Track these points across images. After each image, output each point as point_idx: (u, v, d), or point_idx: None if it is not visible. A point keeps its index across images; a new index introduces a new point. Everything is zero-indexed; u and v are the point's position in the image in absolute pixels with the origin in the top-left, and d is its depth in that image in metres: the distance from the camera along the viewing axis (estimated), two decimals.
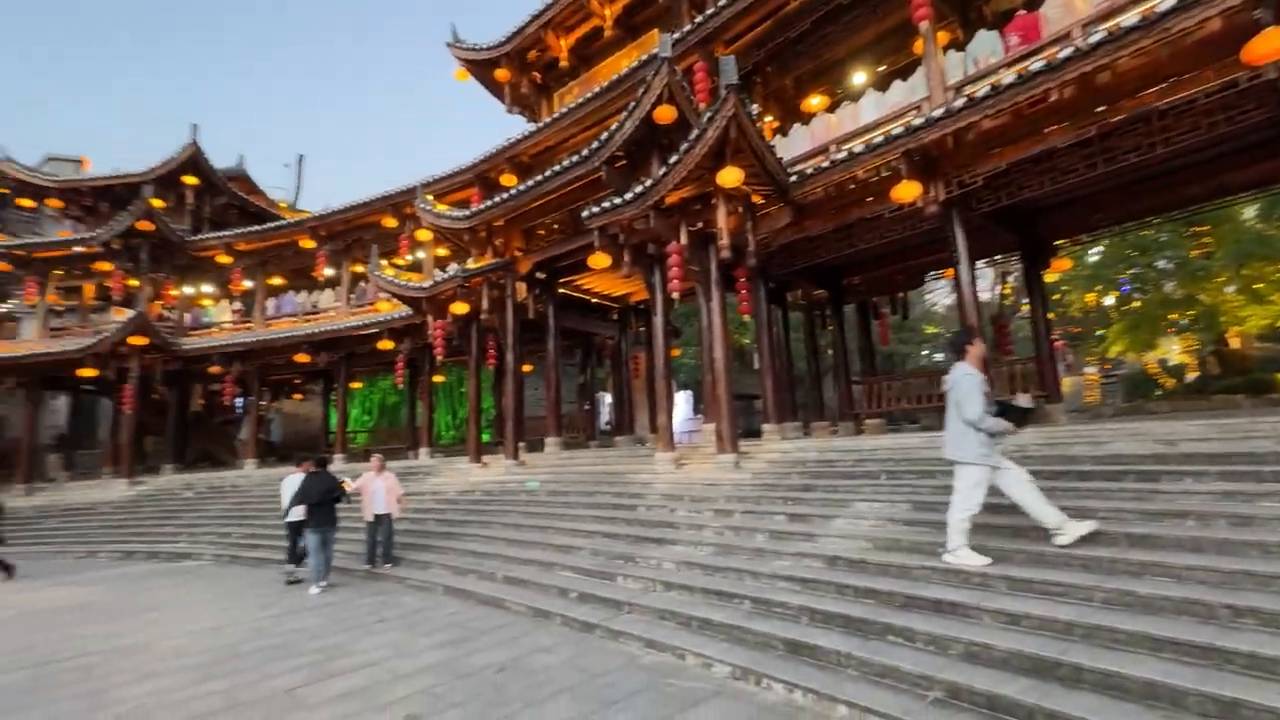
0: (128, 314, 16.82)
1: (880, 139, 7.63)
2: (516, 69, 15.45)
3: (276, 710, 3.95)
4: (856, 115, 9.21)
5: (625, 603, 5.49)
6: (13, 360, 16.47)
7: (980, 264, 10.70)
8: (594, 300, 14.41)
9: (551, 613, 5.69)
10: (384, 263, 14.20)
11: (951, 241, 8.00)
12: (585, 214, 9.00)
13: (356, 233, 17.15)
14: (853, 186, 8.41)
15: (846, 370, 12.48)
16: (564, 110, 12.32)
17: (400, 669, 4.61)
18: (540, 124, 13.10)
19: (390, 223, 16.22)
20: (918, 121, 7.31)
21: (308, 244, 17.49)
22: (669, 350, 10.04)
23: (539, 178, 10.37)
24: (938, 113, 7.16)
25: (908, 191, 7.52)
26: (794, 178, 8.46)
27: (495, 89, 16.14)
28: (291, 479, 8.65)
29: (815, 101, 11.31)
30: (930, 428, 11.85)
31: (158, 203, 17.30)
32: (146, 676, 4.75)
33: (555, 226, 11.54)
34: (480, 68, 15.66)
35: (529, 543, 7.76)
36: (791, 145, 9.68)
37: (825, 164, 8.23)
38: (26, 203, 20.43)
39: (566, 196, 10.52)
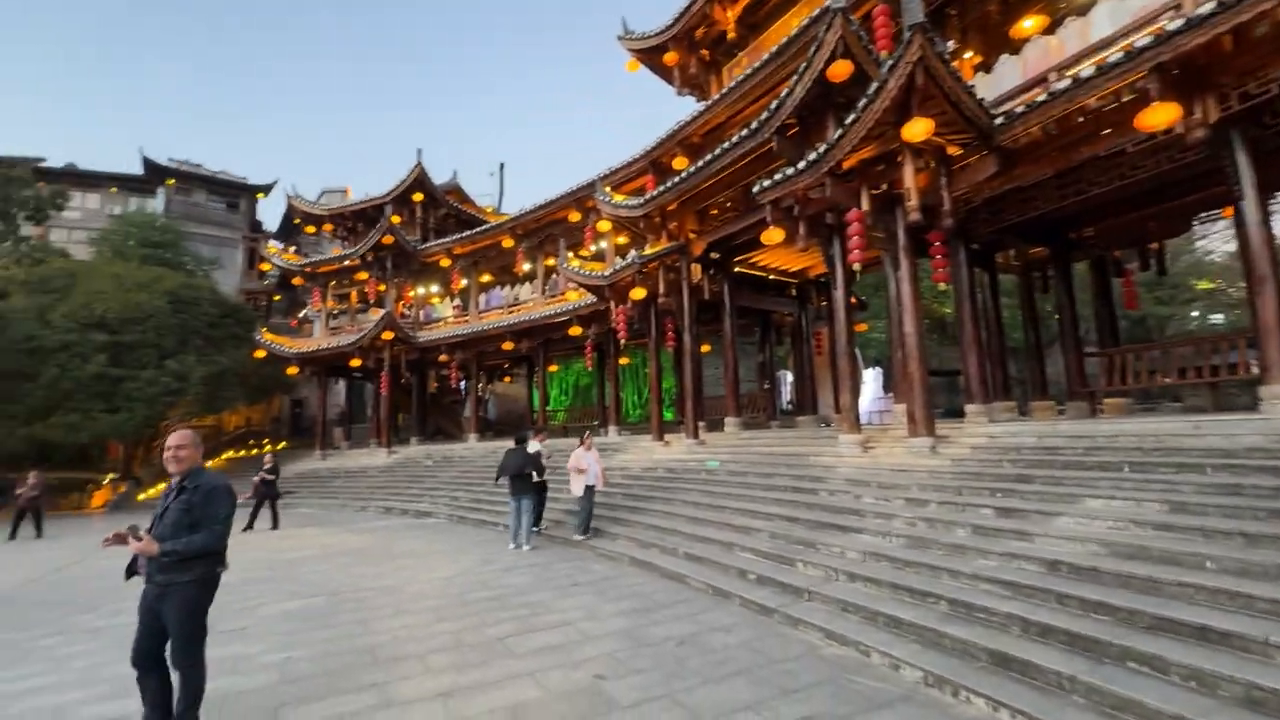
0: (379, 314, 20.45)
1: (1119, 56, 6.20)
2: (684, 49, 15.45)
3: (492, 655, 4.56)
4: (1085, 33, 7.60)
5: (805, 590, 5.32)
6: (309, 354, 21.01)
7: None
8: (770, 277, 14.01)
9: (730, 593, 5.73)
10: (570, 255, 15.32)
11: (1231, 172, 6.27)
12: (756, 189, 8.73)
13: (547, 229, 18.72)
14: (1081, 120, 6.97)
15: (1076, 340, 10.53)
16: (732, 84, 12.02)
17: (590, 631, 5.02)
18: (709, 102, 12.95)
19: (575, 217, 17.41)
20: (1175, 24, 5.79)
21: (508, 243, 19.56)
22: (851, 326, 9.38)
23: (708, 157, 10.29)
24: (1208, 7, 5.59)
25: (1161, 116, 6.01)
26: (1000, 119, 7.27)
27: (665, 73, 16.32)
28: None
29: (1029, 24, 9.56)
30: (1199, 408, 9.53)
31: (396, 219, 20.66)
32: (398, 613, 5.79)
33: (727, 205, 11.39)
34: (649, 55, 15.94)
35: (708, 521, 7.89)
36: (997, 82, 8.33)
37: (1043, 97, 6.92)
38: (310, 229, 25.78)
39: (737, 173, 10.31)
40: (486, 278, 21.78)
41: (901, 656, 4.00)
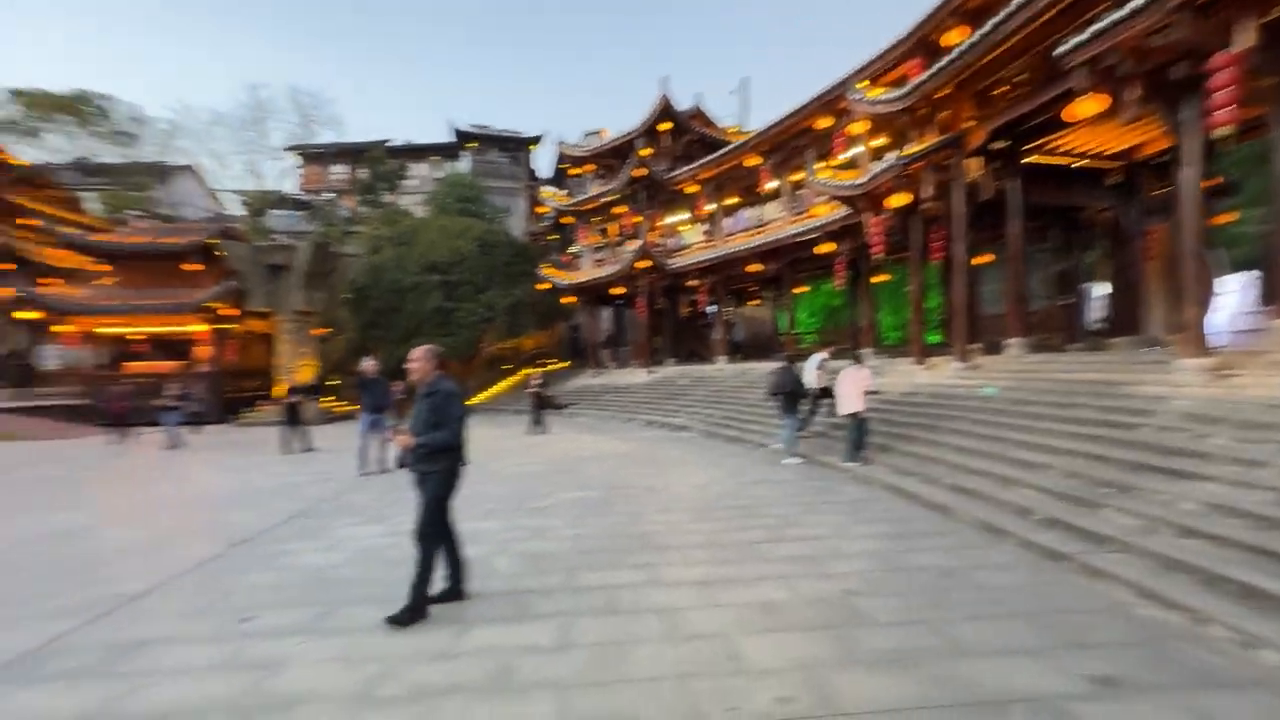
0: (635, 245, 22.02)
1: None
2: None
3: (744, 556, 4.87)
4: None
5: (1113, 539, 4.47)
6: (579, 285, 23.88)
7: None
8: (1075, 165, 11.21)
9: (1006, 530, 5.11)
10: (820, 166, 14.28)
11: None
12: (1062, 49, 6.91)
13: (793, 142, 17.67)
14: None
15: None
16: None
17: (841, 548, 4.99)
18: None
19: (824, 123, 16.06)
20: None
21: (752, 161, 19.03)
22: (1204, 217, 7.07)
23: (995, 19, 8.42)
24: None
25: None
26: None
27: None
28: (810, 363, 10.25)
29: None
30: None
31: (645, 151, 21.63)
32: (662, 510, 6.51)
33: (1017, 80, 9.28)
34: None
35: (981, 453, 7.04)
36: None
37: None
38: (576, 171, 28.54)
39: (1033, 35, 8.27)
40: (732, 200, 21.68)
41: (1259, 634, 3.15)
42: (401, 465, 4.03)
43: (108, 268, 22.57)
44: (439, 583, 3.97)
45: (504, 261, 24.05)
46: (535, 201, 39.22)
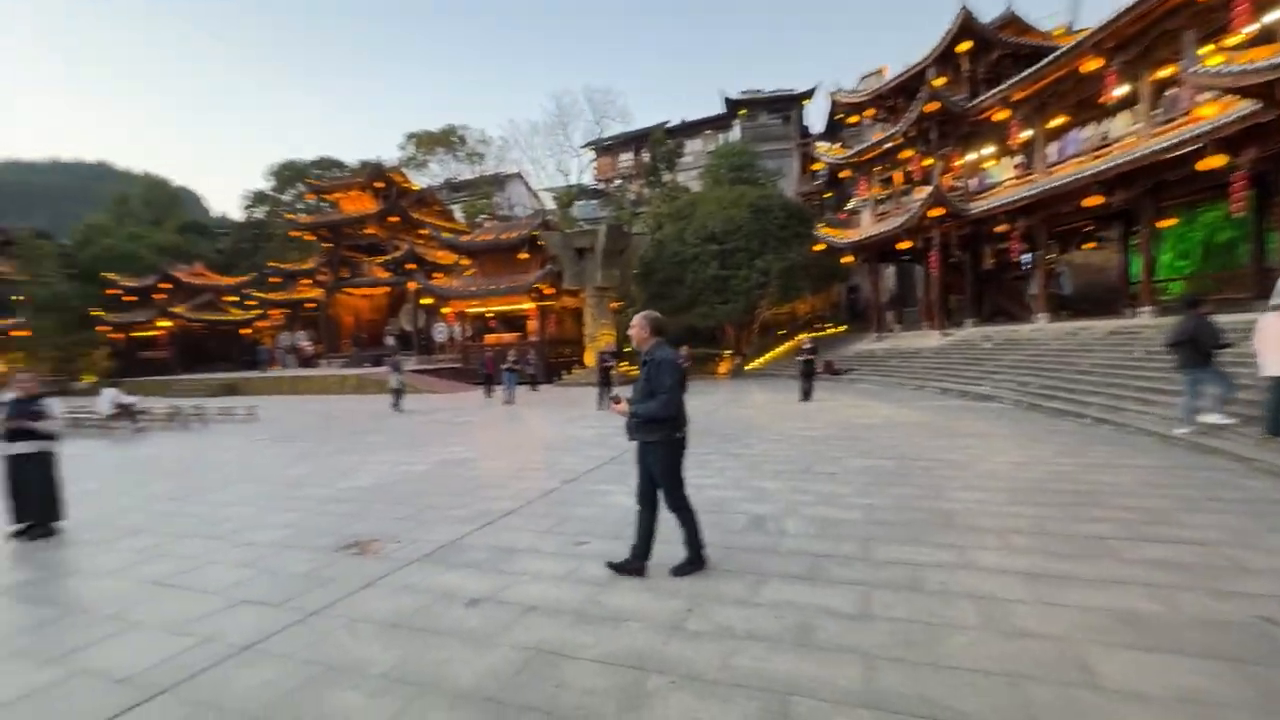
0: (924, 191, 19.49)
1: None
2: None
3: (1086, 551, 4.01)
4: None
5: None
6: (859, 242, 22.24)
7: None
8: None
9: None
10: (1205, 50, 10.56)
11: None
12: None
13: (1157, 26, 13.35)
14: None
15: None
16: None
17: (1244, 561, 3.74)
18: None
19: None
20: None
21: (1090, 65, 14.99)
22: None
23: None
24: None
25: None
26: None
27: None
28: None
29: None
30: None
31: (938, 81, 18.79)
32: (968, 488, 5.76)
33: None
34: None
35: None
36: None
37: None
38: (853, 119, 26.40)
39: None
40: (1057, 121, 17.56)
41: None
42: (631, 436, 3.83)
43: (468, 261, 29.06)
44: (624, 552, 4.03)
45: (777, 225, 23.70)
46: (808, 159, 37.66)
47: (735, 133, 40.18)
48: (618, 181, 44.78)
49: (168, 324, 33.44)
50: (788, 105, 39.20)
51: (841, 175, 26.62)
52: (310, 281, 35.31)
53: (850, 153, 23.63)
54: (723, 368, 25.19)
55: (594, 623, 3.29)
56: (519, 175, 48.39)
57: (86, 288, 34.70)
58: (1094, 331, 13.90)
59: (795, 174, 38.32)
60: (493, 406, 16.46)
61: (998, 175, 19.46)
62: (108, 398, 13.56)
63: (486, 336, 27.36)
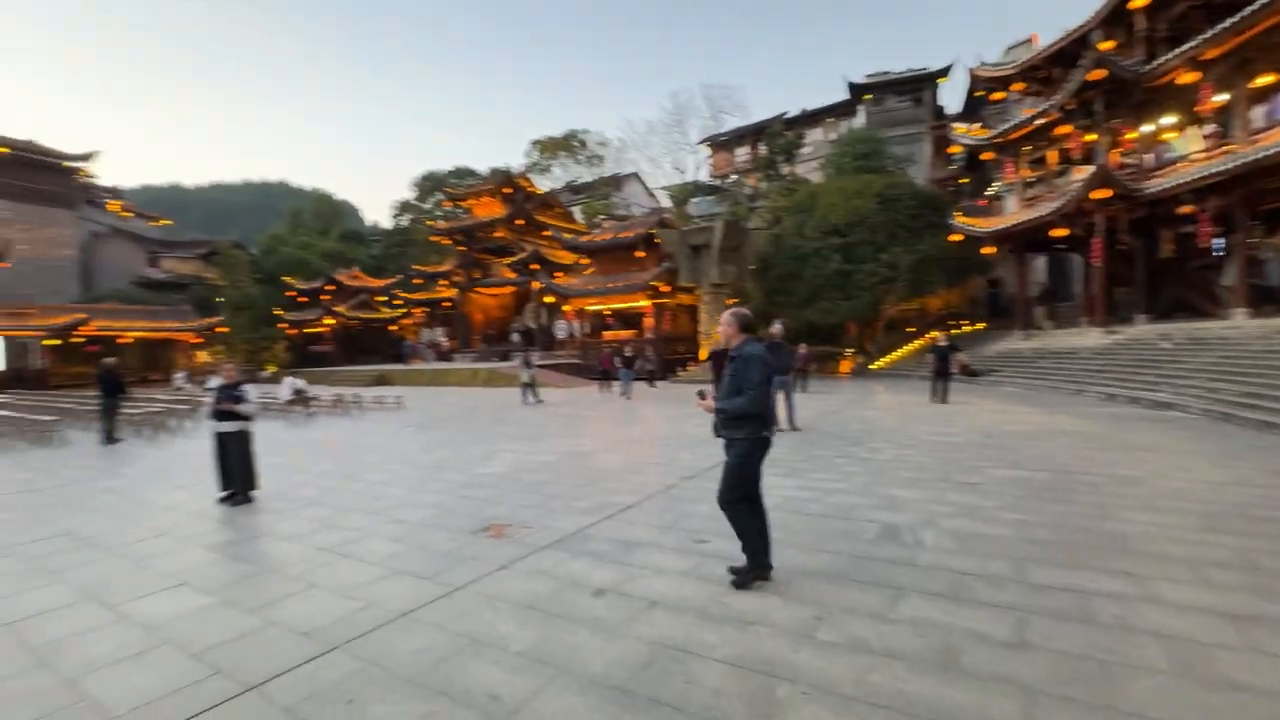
0: (1084, 172, 17.25)
1: None
2: None
3: None
4: None
5: None
6: (1003, 231, 20.17)
7: None
8: None
9: None
10: None
11: None
12: None
13: None
14: None
15: None
16: None
17: None
18: None
19: None
20: None
21: None
22: None
23: None
24: None
25: None
26: None
27: None
28: None
29: None
30: None
31: (1106, 45, 16.53)
32: (1146, 509, 5.01)
33: None
34: None
35: None
36: None
37: None
38: (998, 96, 23.98)
39: None
40: (1266, 79, 14.79)
41: None
42: (717, 434, 3.75)
43: (587, 260, 30.07)
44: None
45: (907, 215, 22.12)
46: (942, 143, 34.82)
47: (860, 119, 38.07)
48: (734, 176, 44.18)
49: (331, 321, 37.95)
50: (919, 86, 36.45)
51: (983, 158, 24.31)
52: (447, 282, 38.43)
53: (994, 132, 21.47)
54: (844, 367, 24.02)
55: (719, 623, 3.26)
56: (635, 175, 49.30)
57: (269, 290, 40.31)
58: None
59: (927, 159, 35.57)
60: (610, 401, 16.91)
61: (1181, 148, 16.77)
62: (288, 385, 15.64)
63: (604, 333, 28.18)
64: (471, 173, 52.60)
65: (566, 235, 31.64)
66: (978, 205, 28.87)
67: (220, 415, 6.31)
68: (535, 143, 49.26)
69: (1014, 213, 21.14)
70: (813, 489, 6.02)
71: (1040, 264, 25.42)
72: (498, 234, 35.38)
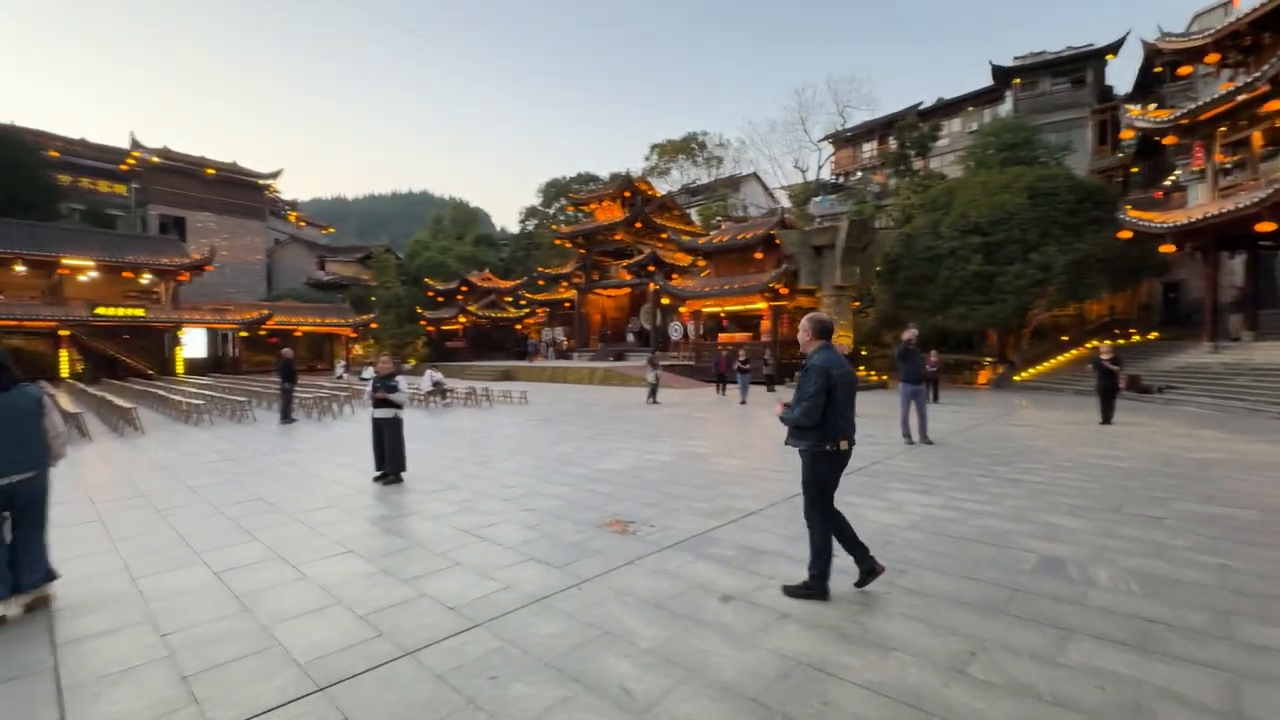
0: None
1: None
2: None
3: None
4: None
5: None
6: (1189, 226, 17.37)
7: None
8: None
9: None
10: None
11: None
12: None
13: None
14: None
15: None
16: None
17: None
18: None
19: None
20: None
21: None
22: None
23: None
24: None
25: None
26: None
27: None
28: None
29: None
30: None
31: None
32: None
33: None
34: None
35: None
36: None
37: None
38: (1185, 70, 20.74)
39: None
40: None
41: None
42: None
43: (703, 262, 29.98)
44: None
45: (1063, 210, 19.77)
46: (1109, 127, 30.84)
47: (1007, 106, 34.64)
48: (859, 174, 42.06)
49: (464, 320, 41.03)
50: (1081, 65, 32.44)
51: (1164, 142, 21.14)
52: (567, 284, 40.14)
53: (1179, 112, 18.55)
54: (982, 377, 21.98)
55: (857, 644, 3.07)
56: (755, 175, 48.47)
57: (413, 290, 44.40)
58: None
59: (1089, 147, 31.61)
60: (726, 405, 16.73)
61: None
62: (429, 377, 17.09)
63: (719, 335, 27.96)
64: (594, 178, 54.51)
65: (684, 237, 31.79)
66: (1153, 197, 25.20)
67: (377, 403, 7.01)
68: (655, 146, 50.07)
69: (1203, 205, 18.15)
70: (955, 509, 5.53)
71: (1237, 264, 21.60)
72: (616, 237, 36.34)
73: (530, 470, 7.61)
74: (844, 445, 3.55)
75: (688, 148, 48.54)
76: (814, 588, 3.65)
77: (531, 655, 3.00)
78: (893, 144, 35.83)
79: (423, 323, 42.72)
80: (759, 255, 26.00)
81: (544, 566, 4.21)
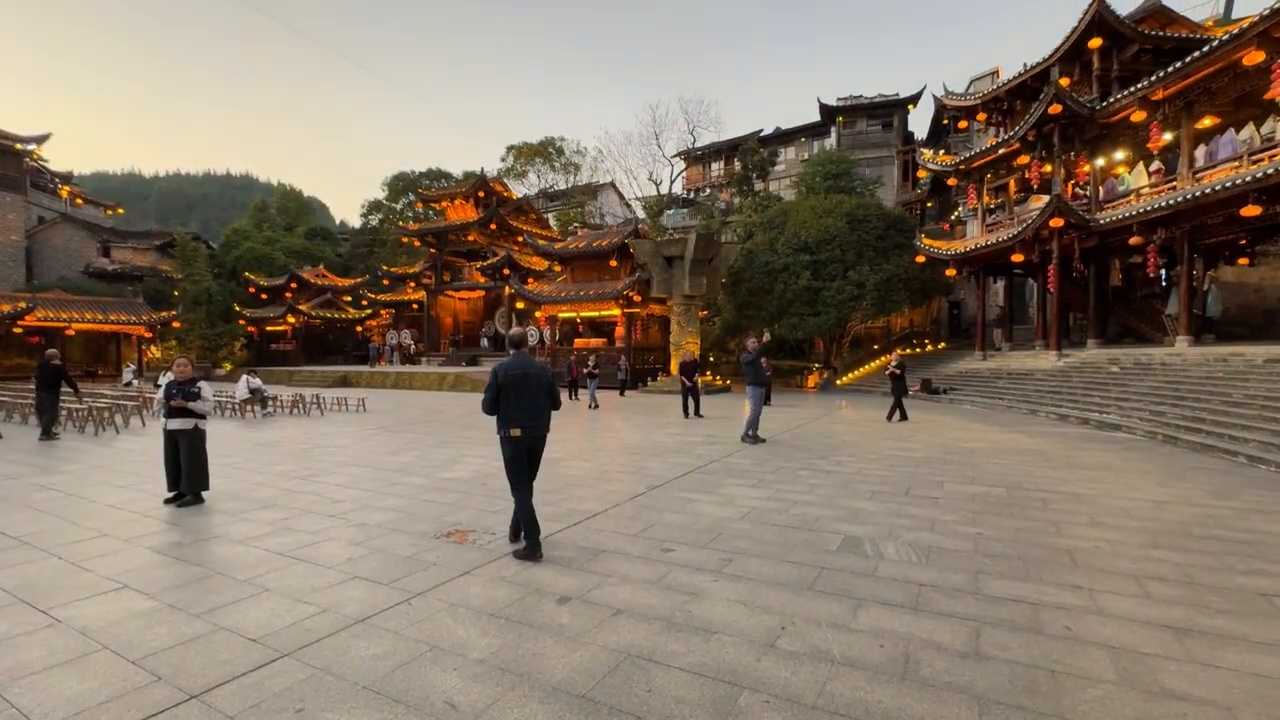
0: (1042, 201, 17.98)
1: None
2: None
3: (1250, 608, 3.50)
4: None
5: None
6: (964, 254, 20.83)
7: None
8: None
9: None
10: None
11: None
12: None
13: None
14: None
15: None
16: None
17: None
18: None
19: None
20: None
21: (1254, 58, 13.26)
22: None
23: None
24: None
25: None
26: None
27: None
28: None
29: None
30: None
31: (1064, 81, 17.32)
32: (1095, 525, 5.20)
33: None
34: None
35: None
36: None
37: None
38: (962, 125, 24.86)
39: None
40: (1208, 121, 15.71)
41: None
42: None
43: (560, 268, 29.95)
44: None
45: (874, 235, 22.70)
46: (910, 166, 35.98)
47: (831, 140, 39.03)
48: (708, 190, 44.72)
49: (293, 320, 36.88)
50: (889, 111, 37.59)
51: (948, 183, 25.17)
52: (415, 284, 37.79)
53: (958, 159, 22.23)
54: (811, 381, 24.40)
55: (684, 631, 3.25)
56: (612, 185, 49.42)
57: (229, 285, 38.99)
58: (1249, 358, 12.24)
59: (895, 182, 36.64)
60: (578, 409, 16.82)
61: (1130, 183, 17.64)
62: (245, 383, 15.10)
63: (575, 341, 28.06)
64: (445, 175, 52.01)
65: (540, 241, 31.48)
66: (942, 229, 29.84)
67: (172, 412, 6.06)
68: (511, 148, 49.06)
69: (975, 237, 21.89)
70: (779, 499, 6.07)
71: (999, 287, 26.32)
72: (470, 237, 35.00)
73: (363, 482, 7.04)
74: (514, 433, 4.37)
75: (545, 152, 48.23)
76: (529, 551, 4.35)
77: (347, 681, 2.77)
78: (737, 166, 38.61)
79: (242, 322, 37.68)
80: (614, 263, 26.55)
81: (370, 584, 3.92)
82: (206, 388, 6.29)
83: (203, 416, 6.21)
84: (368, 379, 28.07)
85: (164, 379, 6.32)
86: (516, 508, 4.51)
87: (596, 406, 17.06)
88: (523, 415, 4.41)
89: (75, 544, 4.79)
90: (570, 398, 19.58)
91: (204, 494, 6.14)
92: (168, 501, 6.02)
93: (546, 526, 5.16)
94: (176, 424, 6.06)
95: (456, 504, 5.99)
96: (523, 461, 4.46)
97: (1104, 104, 17.22)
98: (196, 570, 4.22)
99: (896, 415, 12.96)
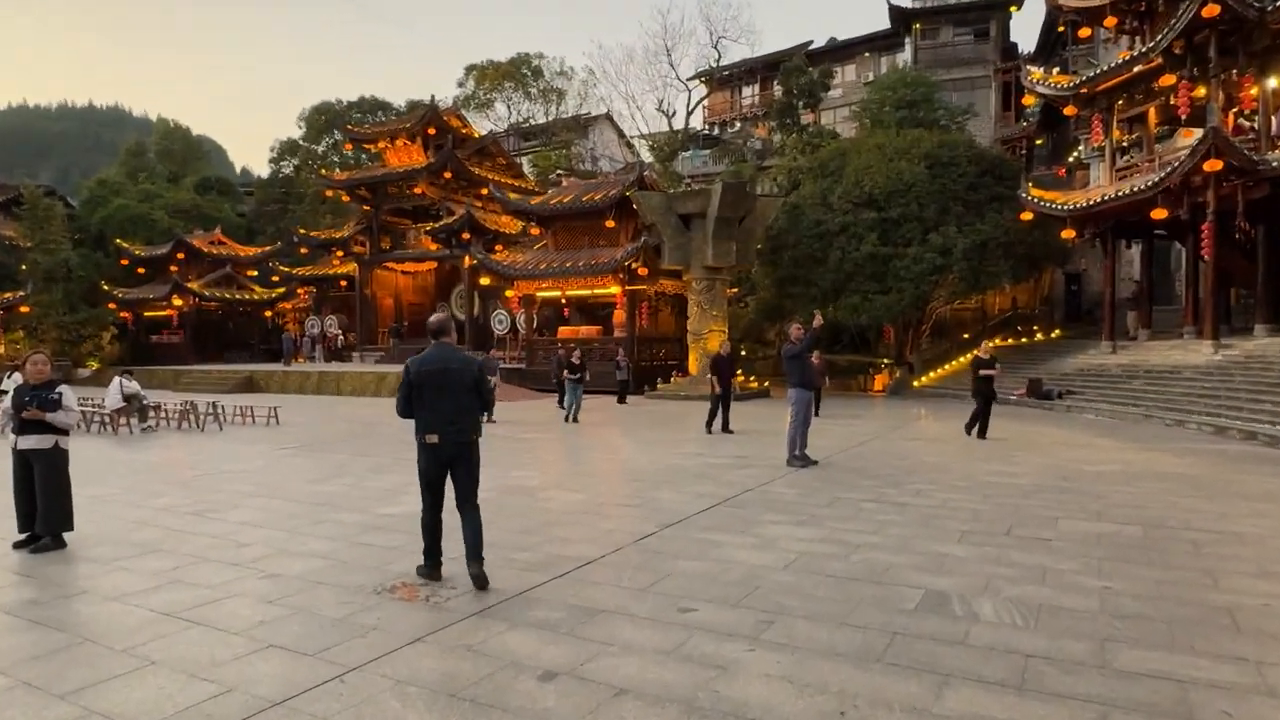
0: (1193, 135, 17.93)
1: None
2: None
3: None
4: None
5: None
6: (1086, 209, 20.81)
7: None
8: None
9: None
10: None
11: None
12: None
13: None
14: None
15: None
16: None
17: None
18: None
19: None
20: None
21: None
22: None
23: None
24: None
25: None
26: None
27: None
28: None
29: None
30: None
31: None
32: (1263, 575, 5.22)
33: None
34: None
35: None
36: None
37: None
38: (1085, 32, 24.84)
39: None
40: None
41: None
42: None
43: (538, 230, 30.05)
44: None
45: (964, 185, 22.72)
46: (1012, 90, 35.83)
47: (906, 55, 38.96)
48: (737, 124, 44.76)
49: (181, 302, 37.20)
50: (985, 14, 37.49)
51: (1065, 112, 25.03)
52: (344, 254, 37.92)
53: (1079, 80, 22.16)
54: (879, 382, 24.48)
55: (709, 719, 3.29)
56: (608, 117, 49.56)
57: (95, 256, 39.30)
58: None
59: (993, 112, 36.58)
60: (563, 422, 16.91)
61: None
62: (117, 388, 15.26)
63: (560, 329, 28.18)
64: (384, 106, 52.24)
65: (512, 195, 31.58)
66: (1056, 175, 29.80)
67: (24, 426, 6.13)
68: (472, 69, 49.17)
69: (1102, 186, 21.84)
70: (835, 541, 6.12)
71: (1135, 254, 26.27)
72: (417, 190, 35.14)
73: (277, 520, 7.12)
74: (430, 439, 4.81)
75: (517, 74, 48.25)
76: (428, 571, 5.10)
77: None
78: (777, 90, 38.62)
79: (113, 306, 38.04)
80: (611, 223, 26.62)
81: (290, 655, 3.97)
82: (70, 394, 6.36)
83: (65, 432, 6.29)
84: (281, 381, 28.31)
85: (11, 382, 6.40)
86: (421, 523, 5.07)
87: (575, 420, 16.77)
88: (440, 419, 4.81)
89: None
90: (561, 405, 19.68)
91: (66, 536, 6.22)
92: (18, 546, 6.10)
93: (523, 579, 5.21)
94: (30, 442, 6.13)
95: (402, 548, 6.04)
96: (438, 476, 4.95)
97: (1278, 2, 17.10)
98: (59, 637, 4.28)
99: (971, 426, 12.93)
